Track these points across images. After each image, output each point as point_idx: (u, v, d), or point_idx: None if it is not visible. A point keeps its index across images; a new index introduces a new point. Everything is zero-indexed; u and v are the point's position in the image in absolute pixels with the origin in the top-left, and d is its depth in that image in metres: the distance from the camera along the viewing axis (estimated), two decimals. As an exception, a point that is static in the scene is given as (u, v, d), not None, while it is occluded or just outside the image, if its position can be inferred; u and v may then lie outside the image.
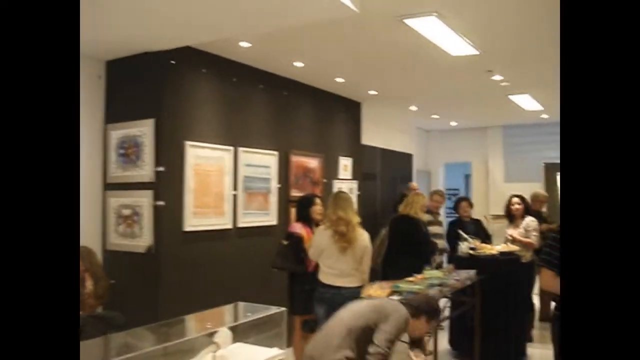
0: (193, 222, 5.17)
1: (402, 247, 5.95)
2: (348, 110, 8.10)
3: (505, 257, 5.88)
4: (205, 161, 5.35)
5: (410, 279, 4.56)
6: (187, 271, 5.14)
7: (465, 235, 6.22)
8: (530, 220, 6.36)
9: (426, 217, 6.47)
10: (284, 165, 6.55)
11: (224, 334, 2.77)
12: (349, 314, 3.26)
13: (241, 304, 3.47)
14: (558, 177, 10.50)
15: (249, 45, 5.27)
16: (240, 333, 3.14)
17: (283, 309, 3.17)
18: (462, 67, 6.12)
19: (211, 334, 2.80)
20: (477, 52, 5.46)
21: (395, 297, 4.07)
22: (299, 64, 6.06)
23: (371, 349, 3.08)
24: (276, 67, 6.25)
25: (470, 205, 7.09)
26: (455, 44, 5.14)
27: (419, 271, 4.96)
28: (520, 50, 5.69)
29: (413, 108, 9.12)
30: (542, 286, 3.39)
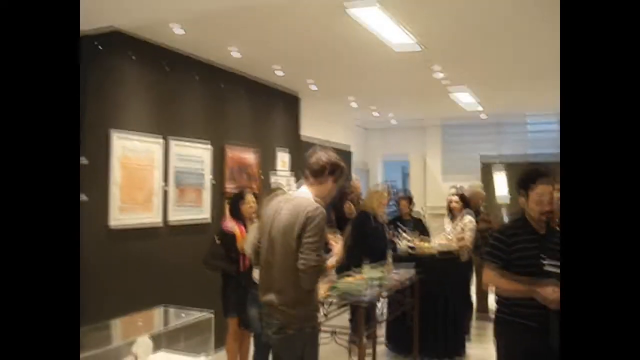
0: (119, 217, 4.83)
1: (362, 243, 5.90)
2: (287, 104, 7.88)
3: (444, 257, 5.83)
4: (134, 153, 5.00)
5: (349, 278, 4.40)
6: (113, 271, 4.79)
7: (404, 233, 6.13)
8: (468, 221, 6.33)
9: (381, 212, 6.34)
10: (219, 159, 6.26)
11: (143, 343, 2.50)
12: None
13: (168, 308, 3.19)
14: (494, 175, 10.66)
15: (183, 32, 4.96)
16: (166, 340, 2.87)
17: (210, 315, 2.92)
18: (404, 62, 6.01)
19: (130, 343, 2.53)
20: (420, 48, 5.35)
21: (332, 298, 3.90)
22: (236, 54, 5.79)
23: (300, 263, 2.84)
24: (213, 56, 5.96)
25: (410, 202, 7.02)
26: (398, 37, 5.02)
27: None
28: (462, 45, 5.64)
29: (353, 104, 9.00)
30: (485, 283, 3.28)
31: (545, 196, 2.97)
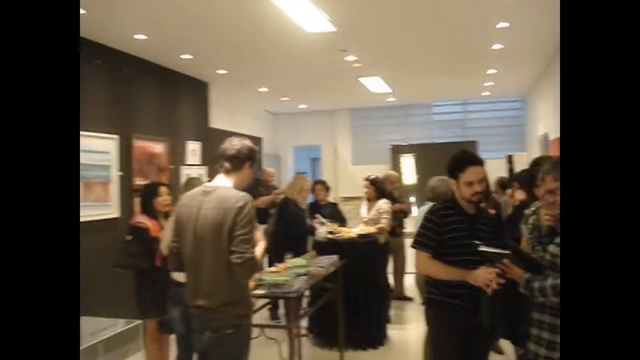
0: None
1: (285, 231, 5.78)
2: (195, 91, 7.55)
3: (364, 240, 5.81)
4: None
5: (273, 269, 4.25)
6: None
7: (323, 219, 6.05)
8: (383, 203, 6.36)
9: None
10: (126, 151, 5.87)
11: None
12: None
13: (83, 320, 2.88)
14: (402, 159, 10.86)
15: (83, 12, 4.55)
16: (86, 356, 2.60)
17: (137, 322, 2.67)
18: (316, 45, 5.90)
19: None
20: (334, 28, 5.26)
21: (260, 291, 3.74)
22: (140, 37, 5.42)
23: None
24: (115, 39, 5.55)
25: (326, 188, 6.95)
26: (311, 18, 4.88)
27: (299, 255, 4.71)
28: (375, 29, 5.61)
29: (263, 89, 8.80)
30: (417, 269, 3.27)
31: (476, 177, 3.05)
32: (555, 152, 7.07)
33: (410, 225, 8.68)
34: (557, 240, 2.49)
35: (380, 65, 7.32)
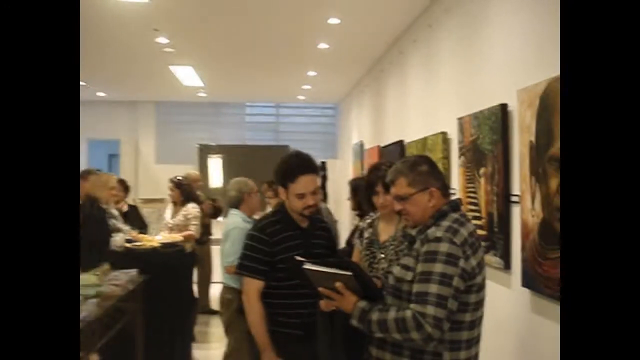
0: None
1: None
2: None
3: (170, 250, 5.03)
4: None
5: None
6: None
7: (120, 225, 5.12)
8: (191, 207, 5.67)
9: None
10: None
11: None
12: None
13: None
14: (209, 160, 10.20)
15: None
16: None
17: None
18: (123, 19, 4.99)
19: None
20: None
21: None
22: None
23: None
24: None
25: (126, 188, 6.00)
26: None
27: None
28: (192, 10, 4.91)
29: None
30: (246, 303, 2.66)
31: (309, 188, 2.57)
32: (371, 160, 6.99)
33: (218, 232, 8.10)
34: (405, 260, 2.04)
35: (195, 53, 6.59)
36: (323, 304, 2.39)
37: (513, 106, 3.09)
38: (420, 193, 2.05)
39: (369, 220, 2.92)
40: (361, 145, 7.87)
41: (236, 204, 3.97)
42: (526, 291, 2.90)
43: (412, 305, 1.88)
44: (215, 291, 6.72)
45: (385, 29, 5.40)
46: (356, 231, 3.05)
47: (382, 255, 2.77)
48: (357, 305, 2.00)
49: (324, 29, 5.42)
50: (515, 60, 3.09)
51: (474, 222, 3.02)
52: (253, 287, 2.59)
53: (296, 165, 2.57)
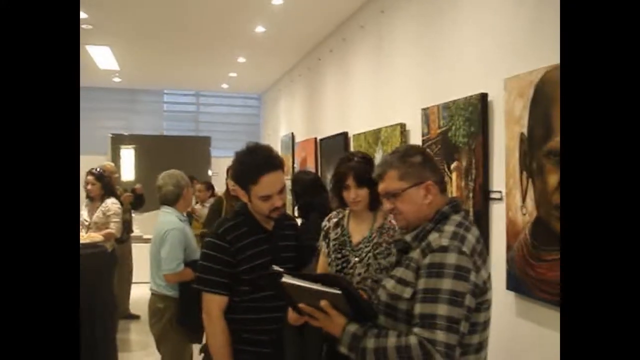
0: None
1: None
2: None
3: (89, 251, 4.47)
4: None
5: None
6: None
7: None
8: (111, 203, 5.16)
9: None
10: None
11: None
12: None
13: None
14: (122, 151, 9.49)
15: None
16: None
17: None
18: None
19: None
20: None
21: None
22: None
23: None
24: None
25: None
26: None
27: None
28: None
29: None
30: (206, 320, 2.24)
31: (274, 188, 2.18)
32: (304, 153, 6.68)
33: (141, 229, 7.48)
34: (400, 272, 1.71)
35: (113, 32, 5.97)
36: (292, 318, 2.08)
37: (494, 96, 2.89)
38: (414, 188, 1.72)
39: (335, 220, 2.61)
40: (292, 137, 7.52)
41: (173, 200, 3.48)
42: (510, 294, 2.70)
43: (416, 330, 1.55)
44: (135, 293, 6.22)
45: (331, 13, 5.09)
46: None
47: (357, 259, 2.47)
48: (346, 329, 1.66)
49: (265, 10, 5.03)
50: (500, 47, 2.87)
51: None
52: (215, 304, 2.18)
53: (256, 164, 2.15)
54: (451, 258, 1.59)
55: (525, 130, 2.55)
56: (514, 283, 2.65)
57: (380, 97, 4.50)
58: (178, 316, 3.28)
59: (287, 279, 1.75)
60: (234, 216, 2.30)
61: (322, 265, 2.59)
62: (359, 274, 2.43)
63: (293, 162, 7.28)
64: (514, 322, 2.72)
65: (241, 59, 7.17)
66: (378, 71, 4.55)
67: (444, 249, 1.60)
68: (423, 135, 3.57)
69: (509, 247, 2.68)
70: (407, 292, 1.64)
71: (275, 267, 1.87)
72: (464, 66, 3.21)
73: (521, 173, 2.59)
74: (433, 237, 1.66)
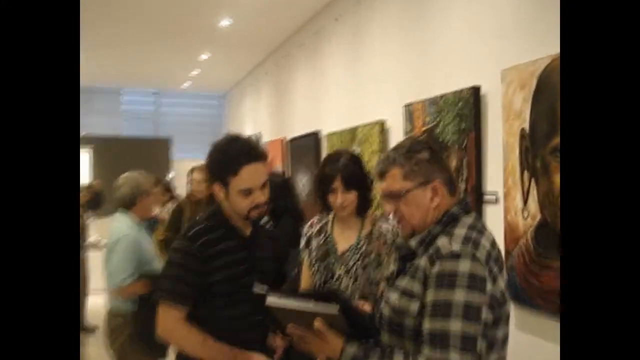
0: None
1: None
2: None
3: None
4: None
5: None
6: None
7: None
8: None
9: None
10: None
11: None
12: None
13: None
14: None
15: None
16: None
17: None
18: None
19: None
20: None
21: None
22: None
23: None
24: None
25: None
26: None
27: None
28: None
29: None
30: (162, 334, 1.93)
31: (257, 182, 1.92)
32: (272, 154, 6.39)
33: (100, 234, 7.08)
34: (405, 282, 1.49)
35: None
36: (276, 341, 1.88)
37: (487, 89, 2.67)
38: (420, 188, 1.51)
39: (318, 225, 2.36)
40: (259, 138, 7.26)
41: (128, 204, 3.12)
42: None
43: (426, 351, 1.36)
44: (96, 303, 5.83)
45: (302, 4, 4.82)
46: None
47: (343, 270, 2.23)
48: (346, 351, 1.44)
49: (230, 1, 4.73)
50: (494, 36, 2.65)
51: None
52: (172, 318, 1.88)
53: (237, 154, 1.89)
54: (464, 266, 1.38)
55: (526, 126, 2.33)
56: (513, 292, 2.43)
57: (356, 93, 4.25)
58: (138, 330, 2.95)
59: (272, 300, 1.49)
60: (206, 218, 2.02)
61: (305, 278, 2.33)
62: (348, 287, 2.20)
63: (259, 164, 7.02)
64: (513, 336, 2.50)
65: (204, 56, 6.84)
66: (354, 65, 4.29)
67: (455, 256, 1.40)
68: (406, 133, 3.33)
69: (507, 254, 2.46)
70: (414, 307, 1.43)
71: (258, 287, 1.61)
72: (452, 58, 2.98)
73: (522, 172, 2.37)
74: (442, 241, 1.44)
